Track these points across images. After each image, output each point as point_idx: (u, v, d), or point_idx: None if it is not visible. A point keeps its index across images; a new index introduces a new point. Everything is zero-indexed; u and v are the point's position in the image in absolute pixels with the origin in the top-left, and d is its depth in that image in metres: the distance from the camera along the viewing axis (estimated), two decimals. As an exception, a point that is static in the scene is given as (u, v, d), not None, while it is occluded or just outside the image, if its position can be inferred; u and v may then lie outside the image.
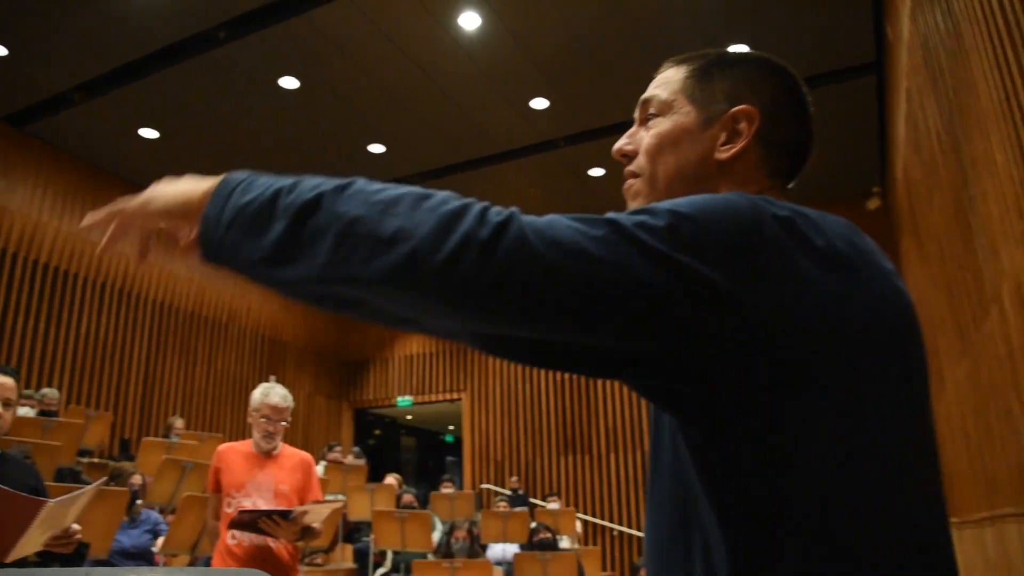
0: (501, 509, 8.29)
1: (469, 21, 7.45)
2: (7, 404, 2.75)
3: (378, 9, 7.31)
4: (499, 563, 7.12)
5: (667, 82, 1.05)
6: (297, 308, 13.48)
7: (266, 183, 0.84)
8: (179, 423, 8.81)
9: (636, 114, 1.07)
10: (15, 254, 9.38)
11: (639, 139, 1.05)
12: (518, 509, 8.08)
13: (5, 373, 2.83)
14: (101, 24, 7.50)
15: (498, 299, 0.74)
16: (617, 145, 1.07)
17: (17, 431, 5.68)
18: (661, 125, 1.02)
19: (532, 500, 11.23)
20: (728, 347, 0.76)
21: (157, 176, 0.93)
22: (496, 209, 0.77)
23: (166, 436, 8.29)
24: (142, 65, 8.15)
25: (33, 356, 9.30)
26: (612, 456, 11.95)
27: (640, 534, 10.81)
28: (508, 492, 11.28)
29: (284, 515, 3.28)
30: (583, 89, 8.51)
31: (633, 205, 1.03)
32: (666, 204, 0.80)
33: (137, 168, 10.26)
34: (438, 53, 7.94)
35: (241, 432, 11.63)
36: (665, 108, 1.03)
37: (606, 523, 11.62)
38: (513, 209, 0.77)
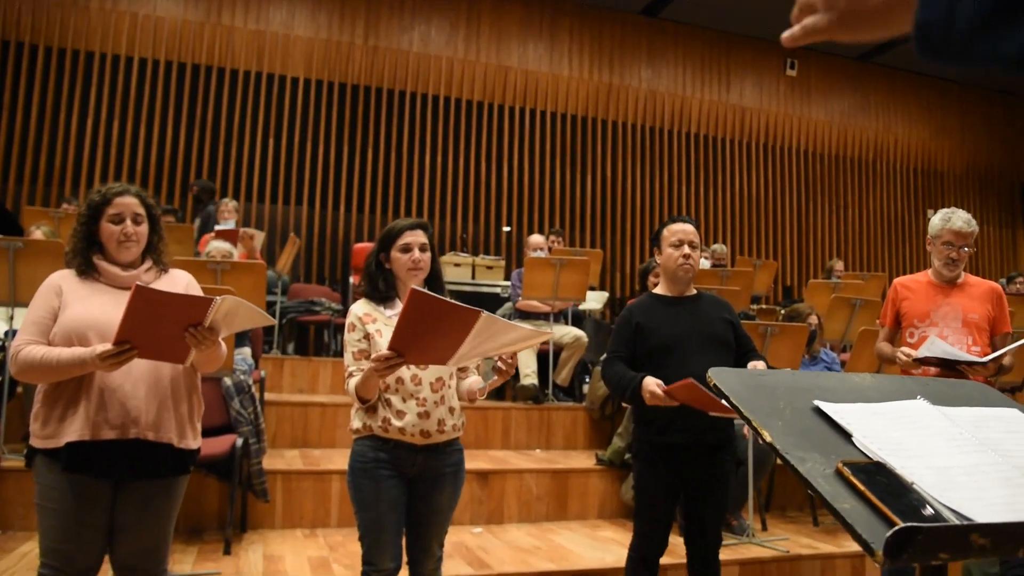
0: None
1: None
2: (692, 246, 3.08)
3: None
4: None
5: None
6: (953, 132, 12.23)
7: None
8: (839, 265, 8.90)
9: None
10: (670, 130, 10.50)
11: None
12: None
13: (685, 222, 3.16)
14: None
15: None
16: None
17: (699, 281, 6.40)
18: None
19: None
20: None
21: (784, 24, 0.85)
22: None
23: (827, 278, 8.45)
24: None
25: (697, 216, 10.38)
26: None
27: None
28: None
29: (975, 363, 3.08)
30: None
31: None
32: None
33: (766, 23, 10.35)
34: None
35: (900, 270, 11.25)
36: None
37: None
38: None
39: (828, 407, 1.13)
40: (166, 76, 8.65)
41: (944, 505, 0.94)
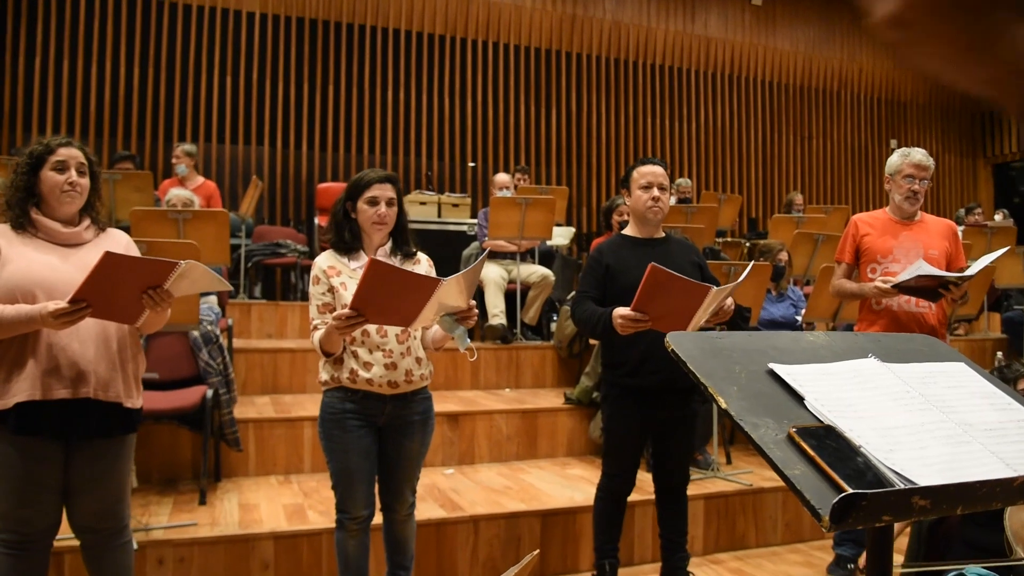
0: None
1: None
2: (662, 188, 3.11)
3: None
4: None
5: None
6: (914, 62, 12.20)
7: None
8: (798, 198, 8.95)
9: None
10: (635, 62, 10.38)
11: None
12: None
13: (655, 164, 3.17)
14: None
15: None
16: None
17: (665, 218, 6.43)
18: None
19: None
20: None
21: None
22: None
23: (787, 212, 8.51)
24: None
25: (664, 150, 10.36)
26: None
27: None
28: None
29: (953, 282, 3.16)
30: None
31: None
32: None
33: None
34: None
35: (863, 201, 11.39)
36: None
37: None
38: None
39: (782, 369, 1.16)
40: (115, 11, 8.33)
41: (888, 468, 0.99)
